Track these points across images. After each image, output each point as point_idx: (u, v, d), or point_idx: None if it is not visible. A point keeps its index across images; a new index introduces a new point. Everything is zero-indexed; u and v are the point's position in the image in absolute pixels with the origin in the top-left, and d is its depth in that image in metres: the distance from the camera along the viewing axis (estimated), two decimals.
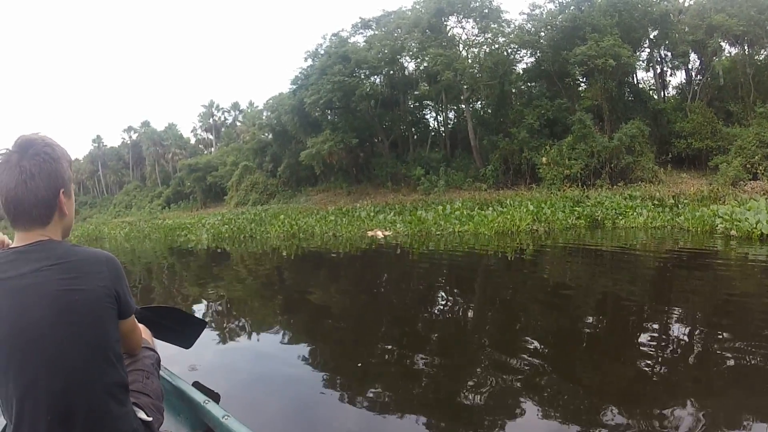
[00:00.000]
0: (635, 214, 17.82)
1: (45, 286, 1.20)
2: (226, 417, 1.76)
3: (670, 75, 29.71)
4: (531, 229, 16.11)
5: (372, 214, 21.38)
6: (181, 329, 2.33)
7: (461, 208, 19.14)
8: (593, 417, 3.13)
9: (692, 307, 6.00)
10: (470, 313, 6.70)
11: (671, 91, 29.86)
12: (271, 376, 4.17)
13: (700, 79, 27.91)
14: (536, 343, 4.67)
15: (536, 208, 17.87)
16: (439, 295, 8.14)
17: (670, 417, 3.02)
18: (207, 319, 5.99)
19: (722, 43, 26.67)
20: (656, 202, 19.57)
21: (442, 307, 7.13)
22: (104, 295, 1.26)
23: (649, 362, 4.07)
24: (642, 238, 14.04)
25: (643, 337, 4.73)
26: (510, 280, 8.95)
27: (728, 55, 28.32)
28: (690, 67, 28.52)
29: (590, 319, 5.67)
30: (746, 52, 27.01)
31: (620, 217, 17.76)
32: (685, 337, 4.72)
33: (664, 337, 4.72)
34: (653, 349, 4.34)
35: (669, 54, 28.64)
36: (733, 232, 13.59)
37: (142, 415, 1.45)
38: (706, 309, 5.88)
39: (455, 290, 8.31)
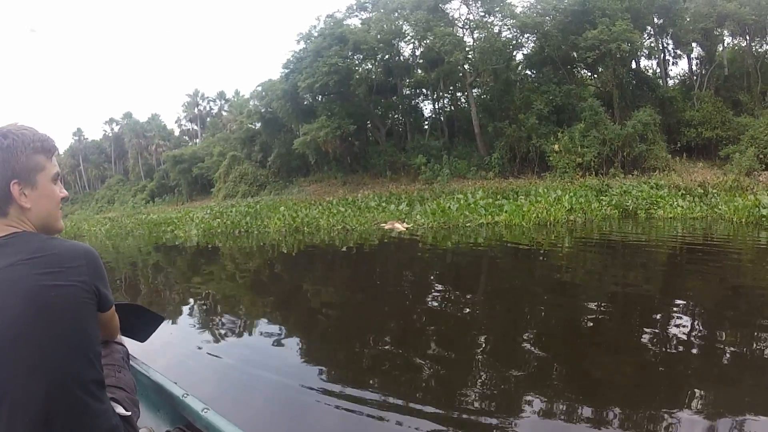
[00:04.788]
0: (671, 204, 15.64)
1: (20, 282, 1.07)
2: (205, 410, 1.60)
3: (672, 64, 27.75)
4: (567, 219, 13.69)
5: (383, 204, 18.49)
6: (139, 324, 1.91)
7: (484, 197, 16.48)
8: None
9: None
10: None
11: (672, 81, 27.89)
12: (260, 375, 3.84)
13: (700, 69, 26.19)
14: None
15: (571, 198, 15.41)
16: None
17: None
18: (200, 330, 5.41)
19: (725, 33, 25.06)
20: (683, 192, 17.58)
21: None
22: (83, 290, 1.13)
23: None
24: (690, 230, 12.21)
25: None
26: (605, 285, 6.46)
27: (728, 45, 26.69)
28: (694, 56, 26.59)
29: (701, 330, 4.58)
30: (748, 43, 25.32)
31: (654, 208, 15.59)
32: None
33: None
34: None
35: (671, 42, 26.66)
36: None
37: (120, 410, 1.31)
38: None
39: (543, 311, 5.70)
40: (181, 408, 1.70)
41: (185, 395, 1.71)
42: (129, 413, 1.35)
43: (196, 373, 3.85)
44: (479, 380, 3.66)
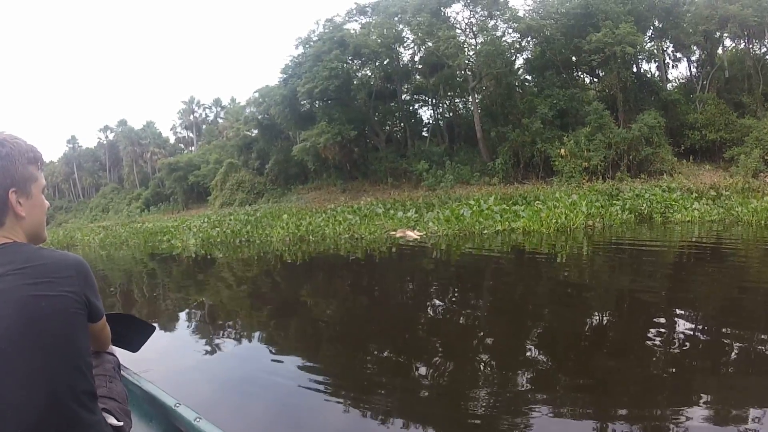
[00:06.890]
0: (686, 208, 15.03)
1: (10, 293, 1.04)
2: (198, 420, 1.56)
3: (672, 67, 27.37)
4: (586, 224, 12.99)
5: (392, 211, 17.64)
6: (131, 334, 1.85)
7: (497, 203, 15.73)
8: None
9: None
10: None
11: (671, 84, 27.47)
12: (256, 385, 3.67)
13: (700, 71, 25.82)
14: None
15: (589, 203, 14.76)
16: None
17: None
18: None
19: (725, 35, 24.74)
20: (696, 195, 17.02)
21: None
22: (73, 300, 1.11)
23: None
24: (711, 233, 11.70)
25: None
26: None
27: (728, 47, 26.38)
28: (693, 58, 26.21)
29: None
30: (747, 45, 25.00)
31: (669, 211, 14.96)
32: None
33: None
34: None
35: (671, 45, 26.28)
36: None
37: (112, 420, 1.29)
38: None
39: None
40: (173, 418, 1.66)
41: (177, 405, 1.65)
42: (121, 424, 1.33)
43: (192, 384, 3.72)
44: (485, 385, 3.53)
